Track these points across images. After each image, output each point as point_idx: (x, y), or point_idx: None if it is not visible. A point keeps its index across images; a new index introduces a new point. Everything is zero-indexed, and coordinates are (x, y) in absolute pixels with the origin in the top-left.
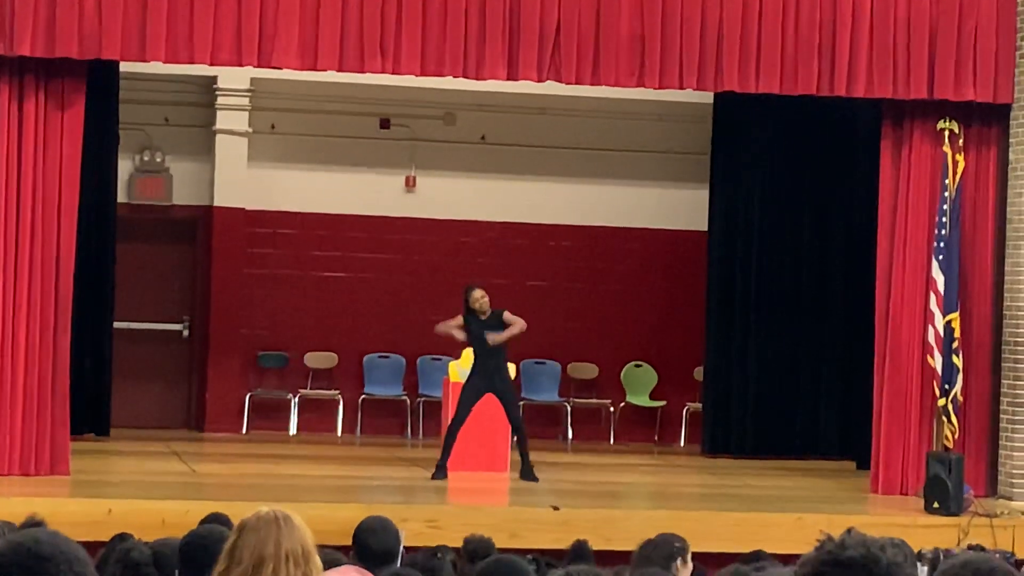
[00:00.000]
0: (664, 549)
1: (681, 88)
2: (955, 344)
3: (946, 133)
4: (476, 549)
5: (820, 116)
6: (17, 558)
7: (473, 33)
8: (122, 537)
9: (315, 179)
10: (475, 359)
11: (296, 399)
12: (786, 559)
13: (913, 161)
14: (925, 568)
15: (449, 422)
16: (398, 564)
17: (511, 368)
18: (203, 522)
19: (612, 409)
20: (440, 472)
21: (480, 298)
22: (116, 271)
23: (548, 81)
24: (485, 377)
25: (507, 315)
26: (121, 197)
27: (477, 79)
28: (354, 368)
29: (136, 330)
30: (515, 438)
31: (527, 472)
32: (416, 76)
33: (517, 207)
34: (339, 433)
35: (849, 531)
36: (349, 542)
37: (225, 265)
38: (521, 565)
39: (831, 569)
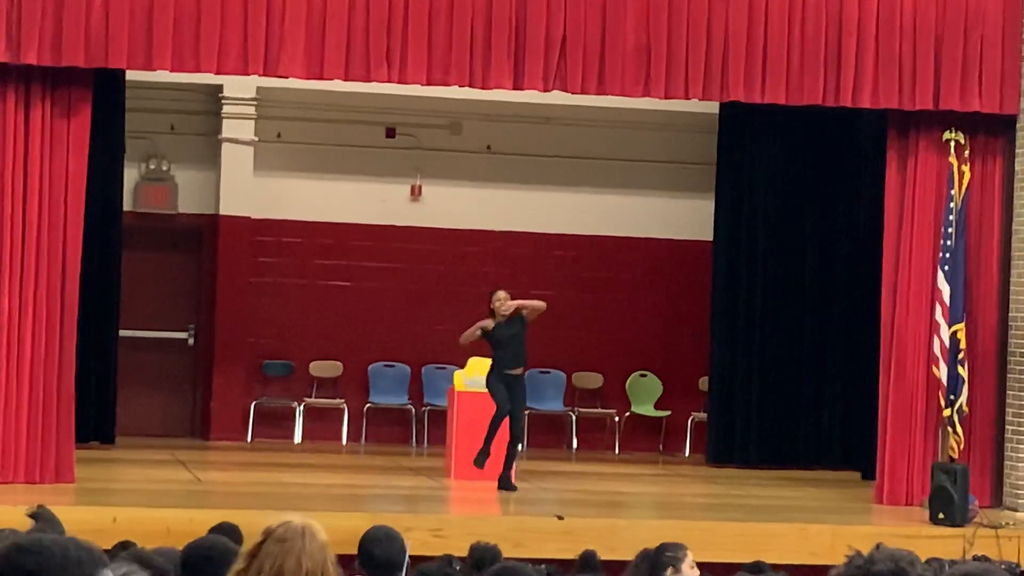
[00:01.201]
0: (654, 558)
1: (687, 98)
2: (960, 355)
3: (952, 144)
4: (483, 556)
5: (825, 126)
6: (15, 563)
7: (479, 43)
8: (124, 545)
9: (321, 188)
10: (496, 362)
11: (301, 408)
12: (790, 569)
13: (919, 172)
14: None
15: (492, 417)
16: (403, 574)
17: None
18: (212, 531)
19: (617, 419)
20: (482, 457)
21: (502, 298)
22: (122, 279)
23: (554, 91)
24: (509, 379)
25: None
26: (127, 205)
27: (483, 88)
28: (359, 377)
29: (141, 338)
30: (509, 444)
31: (506, 481)
32: (422, 85)
33: (522, 216)
34: (344, 442)
35: (878, 546)
36: (354, 551)
37: (230, 274)
38: (527, 573)
39: None
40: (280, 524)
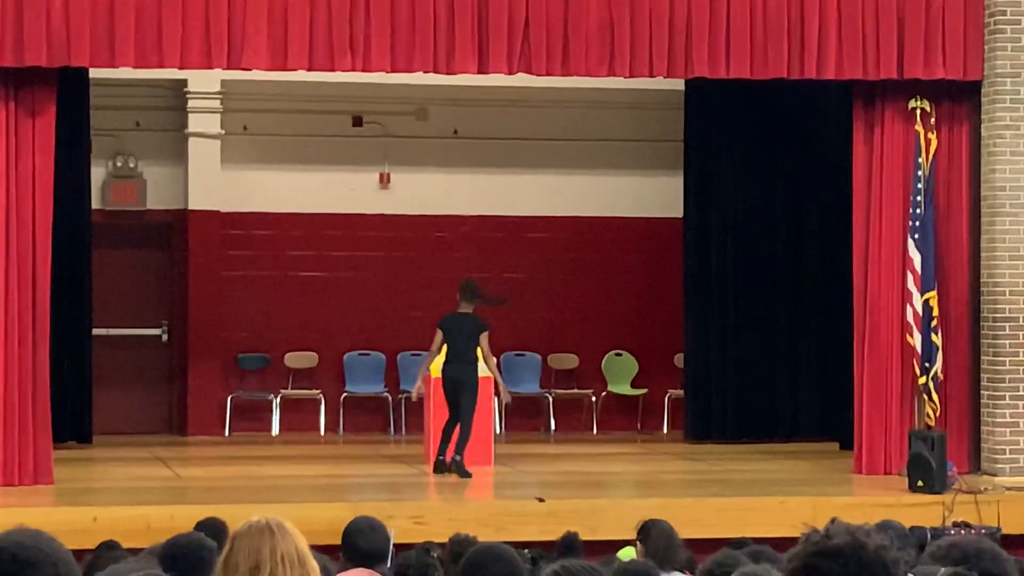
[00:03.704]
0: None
1: (651, 76)
2: (934, 322)
3: (917, 112)
4: (462, 548)
5: (791, 99)
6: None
7: (442, 28)
8: (108, 545)
9: (289, 179)
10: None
11: (278, 400)
12: (771, 543)
13: (885, 141)
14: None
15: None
16: (388, 564)
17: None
18: (198, 526)
19: (594, 399)
20: (440, 467)
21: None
22: (93, 278)
23: (519, 73)
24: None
25: (485, 343)
26: (95, 203)
27: (448, 74)
28: (335, 367)
29: (115, 336)
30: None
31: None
32: (387, 73)
33: (492, 200)
34: (322, 432)
35: (833, 521)
36: (336, 541)
37: (202, 268)
38: (505, 550)
39: (819, 560)
40: (244, 524)
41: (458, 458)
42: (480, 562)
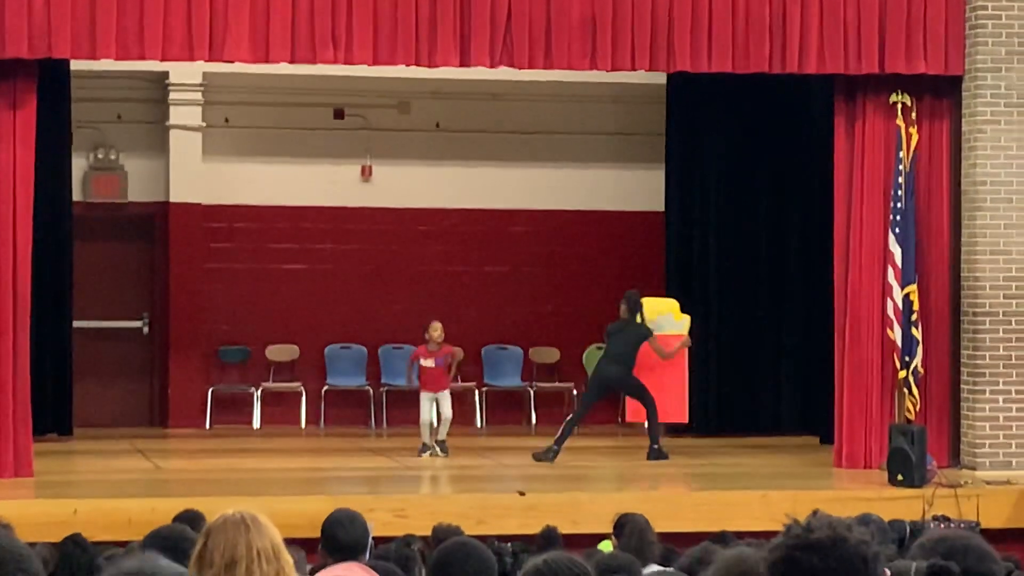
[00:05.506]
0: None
1: (633, 69)
2: (914, 316)
3: (899, 106)
4: (445, 538)
5: (774, 93)
6: None
7: (424, 21)
8: (75, 541)
9: (271, 172)
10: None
11: (259, 392)
12: (752, 536)
13: (867, 135)
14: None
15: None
16: (367, 556)
17: (461, 351)
18: (177, 518)
19: (575, 392)
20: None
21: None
22: (74, 270)
23: (501, 67)
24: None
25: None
26: (76, 196)
27: (430, 67)
28: (316, 360)
29: (96, 329)
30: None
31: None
32: (369, 66)
33: (474, 193)
34: (303, 425)
35: (815, 513)
36: (316, 534)
37: (183, 261)
38: (478, 547)
39: (800, 553)
40: (218, 517)
41: (656, 446)
42: (450, 558)
